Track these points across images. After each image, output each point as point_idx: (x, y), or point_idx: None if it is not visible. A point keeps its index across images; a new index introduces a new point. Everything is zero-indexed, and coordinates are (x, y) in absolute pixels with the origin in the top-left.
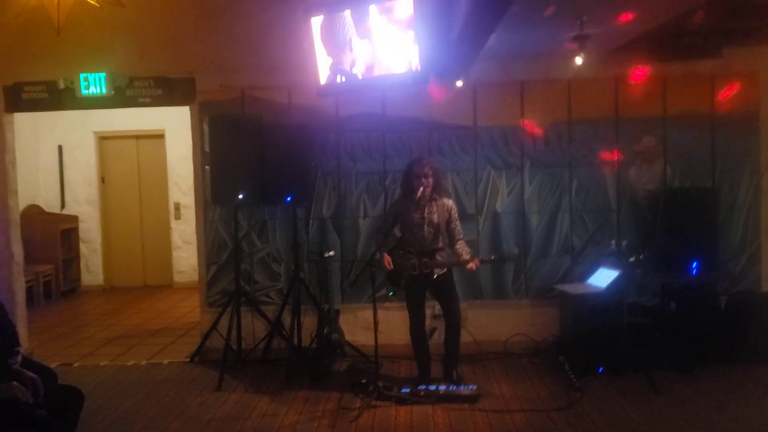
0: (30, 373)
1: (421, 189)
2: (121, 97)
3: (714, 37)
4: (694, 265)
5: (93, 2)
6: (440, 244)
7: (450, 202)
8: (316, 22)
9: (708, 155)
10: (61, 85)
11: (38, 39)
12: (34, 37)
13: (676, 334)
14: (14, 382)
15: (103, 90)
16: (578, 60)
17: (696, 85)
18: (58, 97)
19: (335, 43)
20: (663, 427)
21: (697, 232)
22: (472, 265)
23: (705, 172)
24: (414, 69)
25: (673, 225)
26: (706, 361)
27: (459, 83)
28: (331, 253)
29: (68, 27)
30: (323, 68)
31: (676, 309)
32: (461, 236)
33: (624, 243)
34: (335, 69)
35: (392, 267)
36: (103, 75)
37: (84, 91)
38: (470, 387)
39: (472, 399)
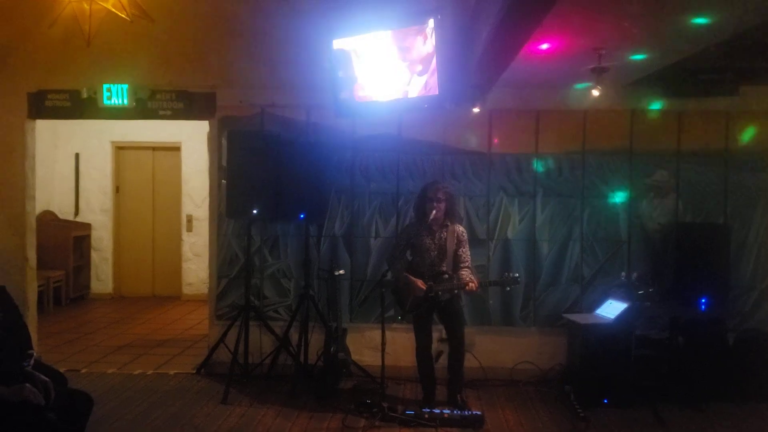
0: (42, 376)
1: (433, 213)
2: (142, 108)
3: (731, 75)
4: (703, 301)
5: (124, 16)
6: (448, 269)
7: (460, 229)
8: (338, 43)
9: (721, 191)
10: (84, 95)
11: (65, 48)
12: (62, 47)
13: (683, 368)
14: (27, 384)
15: (125, 101)
16: (595, 92)
17: (711, 122)
18: (80, 106)
19: (356, 64)
20: None
21: (707, 267)
22: (471, 286)
23: (717, 208)
24: (432, 93)
25: (684, 259)
26: (713, 397)
27: (476, 110)
28: (342, 271)
29: (96, 38)
30: (343, 89)
31: (684, 343)
32: (468, 263)
33: (634, 275)
34: (354, 90)
35: (424, 288)
36: (125, 86)
37: (106, 102)
38: (475, 412)
39: (476, 425)
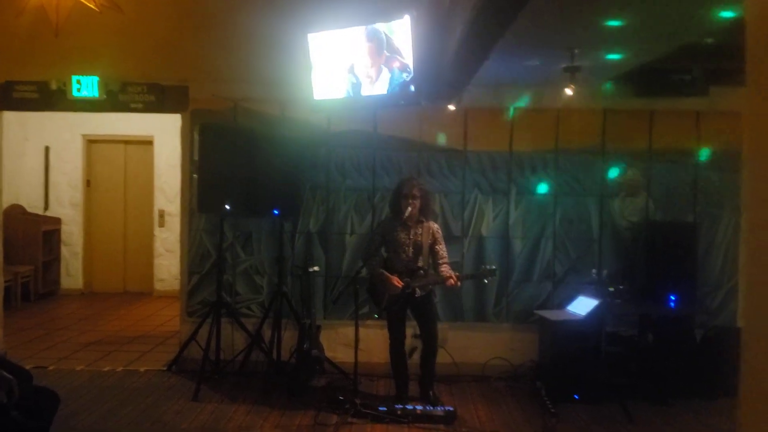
0: (5, 374)
1: (408, 209)
2: (113, 101)
3: (701, 76)
4: (672, 298)
5: (92, 6)
6: (423, 265)
7: (435, 226)
8: (313, 38)
9: (690, 191)
10: (53, 86)
11: (34, 39)
12: (30, 37)
13: (652, 365)
14: None
15: (96, 93)
16: (568, 91)
17: (682, 122)
18: (50, 97)
19: (330, 60)
20: None
21: (676, 265)
22: (451, 281)
23: (687, 207)
24: (407, 90)
25: (654, 257)
26: (682, 393)
27: (451, 107)
28: (316, 268)
29: (65, 29)
30: (317, 84)
31: (653, 340)
32: (446, 259)
33: (605, 272)
34: (329, 85)
35: (401, 285)
36: (96, 78)
37: (76, 94)
38: (447, 408)
39: (448, 420)
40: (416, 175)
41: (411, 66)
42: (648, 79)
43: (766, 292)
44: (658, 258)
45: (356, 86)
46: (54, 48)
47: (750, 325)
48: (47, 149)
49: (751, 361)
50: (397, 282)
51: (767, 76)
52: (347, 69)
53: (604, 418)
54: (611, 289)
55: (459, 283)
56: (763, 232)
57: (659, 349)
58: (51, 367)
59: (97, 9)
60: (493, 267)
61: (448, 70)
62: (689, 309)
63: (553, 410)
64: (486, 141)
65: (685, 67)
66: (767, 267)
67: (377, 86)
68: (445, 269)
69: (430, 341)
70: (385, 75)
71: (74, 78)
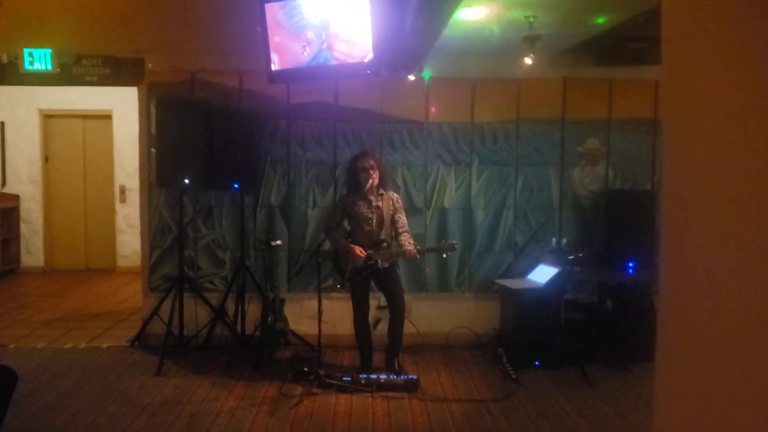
0: None
1: (369, 181)
2: (67, 74)
3: (660, 44)
4: (630, 265)
5: None
6: (386, 237)
7: (395, 196)
8: (270, 7)
9: (649, 159)
10: (4, 60)
11: None
12: None
13: (611, 331)
14: None
15: (49, 66)
16: (528, 60)
17: (641, 91)
18: (1, 71)
19: (289, 29)
20: (594, 419)
21: (635, 232)
22: (411, 251)
23: (645, 175)
24: (367, 60)
25: (613, 225)
26: (639, 357)
27: (411, 77)
28: (279, 242)
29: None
30: (276, 54)
31: (612, 307)
32: (406, 228)
33: (564, 241)
34: (288, 55)
35: (363, 255)
36: (49, 51)
37: (28, 67)
38: (410, 376)
39: (411, 388)
40: (378, 148)
41: (371, 35)
42: (606, 48)
43: (680, 274)
44: (617, 226)
45: (315, 57)
46: (3, 20)
47: (664, 307)
48: (2, 125)
49: (664, 338)
50: (359, 252)
51: (680, 53)
52: (305, 39)
53: (565, 382)
54: (571, 257)
55: (418, 256)
56: (677, 210)
57: (618, 315)
58: (12, 346)
59: None
60: (454, 242)
61: (408, 39)
62: (647, 276)
63: (514, 376)
64: (448, 112)
65: (643, 35)
66: (682, 254)
67: (337, 56)
68: (405, 238)
69: (396, 312)
70: (345, 44)
71: (26, 51)
